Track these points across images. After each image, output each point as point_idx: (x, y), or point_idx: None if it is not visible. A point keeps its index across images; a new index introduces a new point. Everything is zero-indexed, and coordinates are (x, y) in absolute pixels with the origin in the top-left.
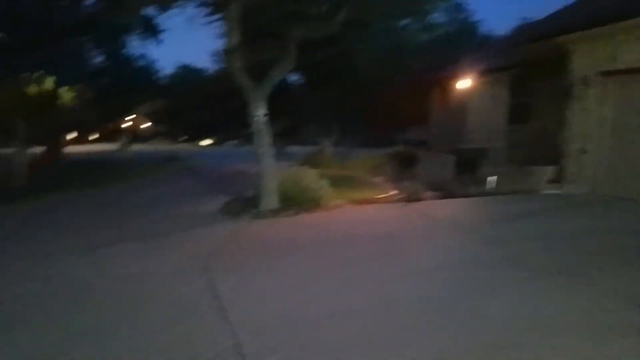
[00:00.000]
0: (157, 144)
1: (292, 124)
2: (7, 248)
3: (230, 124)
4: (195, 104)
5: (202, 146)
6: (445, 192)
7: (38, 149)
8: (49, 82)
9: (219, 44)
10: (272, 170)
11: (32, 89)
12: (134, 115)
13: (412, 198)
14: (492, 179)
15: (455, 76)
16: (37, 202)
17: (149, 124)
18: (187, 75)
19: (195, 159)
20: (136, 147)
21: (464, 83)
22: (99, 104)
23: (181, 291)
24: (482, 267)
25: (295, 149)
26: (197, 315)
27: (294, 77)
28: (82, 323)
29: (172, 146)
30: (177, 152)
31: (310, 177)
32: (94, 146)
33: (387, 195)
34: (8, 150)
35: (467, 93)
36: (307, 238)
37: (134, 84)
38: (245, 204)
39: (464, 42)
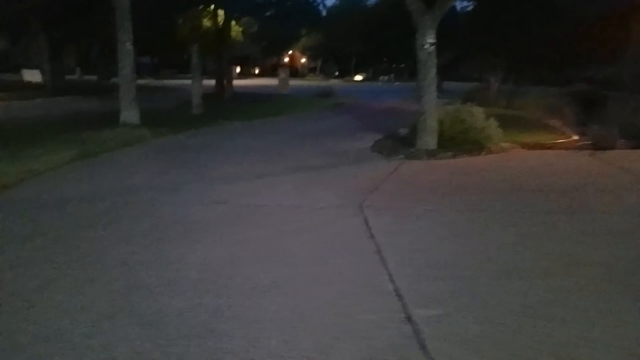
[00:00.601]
0: (311, 80)
1: (453, 57)
2: (186, 172)
3: (383, 59)
4: (351, 37)
5: (354, 81)
6: None
7: (210, 81)
8: (220, 16)
9: None
10: (433, 107)
11: (206, 23)
12: (291, 52)
13: (599, 145)
14: None
15: None
16: (211, 130)
17: (304, 60)
18: (346, 6)
19: (348, 95)
20: (293, 83)
21: None
22: (262, 38)
23: (335, 228)
24: None
25: (452, 85)
26: (351, 254)
27: (462, 3)
28: (236, 250)
29: (326, 82)
30: (330, 87)
31: (475, 116)
32: (256, 80)
33: (566, 140)
34: (186, 82)
35: None
36: (469, 184)
37: (295, 16)
38: (398, 143)
39: None
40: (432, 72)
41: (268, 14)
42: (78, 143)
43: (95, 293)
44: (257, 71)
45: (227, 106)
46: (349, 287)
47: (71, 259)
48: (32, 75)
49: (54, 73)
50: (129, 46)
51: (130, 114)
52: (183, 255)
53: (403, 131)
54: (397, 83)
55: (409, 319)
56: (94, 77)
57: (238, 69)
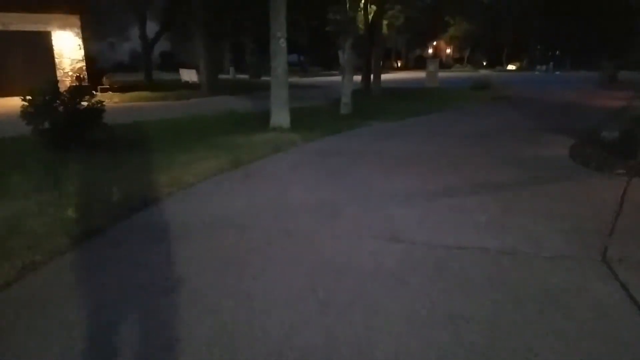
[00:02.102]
0: (459, 71)
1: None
2: (344, 187)
3: (537, 47)
4: (504, 24)
5: (507, 71)
6: None
7: (357, 77)
8: (371, 10)
9: None
10: None
11: (357, 15)
12: (435, 43)
13: None
14: None
15: None
16: (363, 131)
17: (449, 50)
18: None
19: (507, 86)
20: (440, 75)
21: None
22: (407, 31)
23: (581, 301)
24: None
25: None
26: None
27: None
28: (443, 335)
29: (475, 72)
30: (486, 78)
31: None
32: (400, 74)
33: None
34: (332, 79)
35: None
36: None
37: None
38: (605, 151)
39: None
40: None
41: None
42: (228, 149)
43: None
44: (399, 64)
45: (376, 103)
46: None
47: (219, 330)
48: (188, 75)
49: (208, 72)
50: (282, 43)
51: (280, 117)
52: (366, 344)
53: (609, 135)
54: (557, 72)
55: None
56: (246, 76)
57: (380, 63)
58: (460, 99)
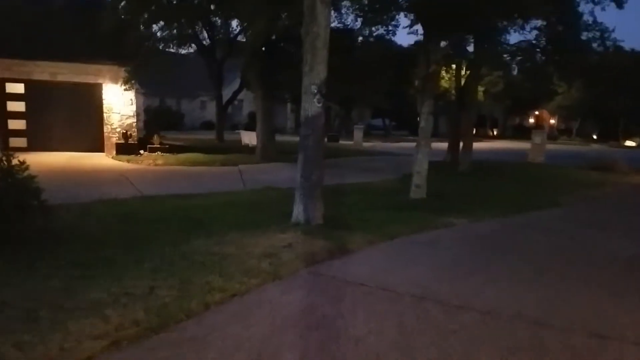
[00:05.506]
0: (565, 144)
1: None
2: None
3: None
4: (628, 91)
5: (624, 147)
6: None
7: (442, 144)
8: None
9: None
10: None
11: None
12: (538, 111)
13: None
14: None
15: None
16: (435, 237)
17: (553, 120)
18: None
19: (637, 168)
20: (546, 147)
21: None
22: (506, 97)
23: None
24: None
25: None
26: None
27: None
28: None
29: (585, 146)
30: (603, 155)
31: None
32: (495, 143)
33: None
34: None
35: None
36: None
37: (567, 63)
38: None
39: None
40: None
41: (532, 63)
42: (192, 269)
43: None
44: (495, 133)
45: (462, 183)
46: None
47: None
48: (248, 137)
49: (263, 135)
50: (318, 101)
51: (306, 209)
52: None
53: None
54: None
55: None
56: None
57: (473, 131)
58: (583, 184)
